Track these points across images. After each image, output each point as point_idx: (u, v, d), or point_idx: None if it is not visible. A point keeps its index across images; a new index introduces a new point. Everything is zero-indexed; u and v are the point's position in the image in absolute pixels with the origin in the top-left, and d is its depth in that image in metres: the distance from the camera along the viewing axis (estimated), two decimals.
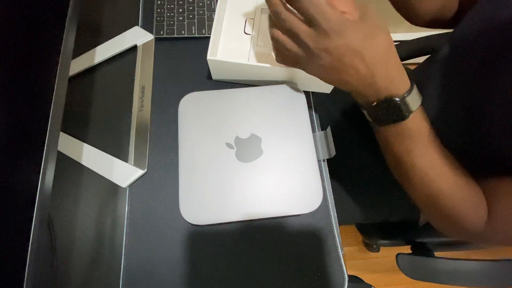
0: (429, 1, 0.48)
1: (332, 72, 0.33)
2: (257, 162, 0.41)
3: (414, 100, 0.34)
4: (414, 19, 0.52)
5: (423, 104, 0.35)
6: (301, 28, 0.32)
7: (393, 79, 0.33)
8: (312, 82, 0.46)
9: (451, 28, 0.49)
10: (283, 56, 0.38)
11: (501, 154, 0.35)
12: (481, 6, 0.40)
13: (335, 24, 0.31)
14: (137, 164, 0.44)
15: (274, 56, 0.40)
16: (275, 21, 0.35)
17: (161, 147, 0.45)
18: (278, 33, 0.35)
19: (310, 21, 0.32)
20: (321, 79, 0.36)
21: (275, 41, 0.36)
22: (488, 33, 0.38)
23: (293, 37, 0.34)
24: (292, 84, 0.46)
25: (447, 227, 0.39)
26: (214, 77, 0.49)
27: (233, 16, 0.50)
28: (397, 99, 0.33)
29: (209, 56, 0.43)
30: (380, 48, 0.32)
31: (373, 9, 0.32)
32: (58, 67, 0.35)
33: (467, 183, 0.37)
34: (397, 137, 0.36)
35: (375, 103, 0.34)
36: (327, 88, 0.47)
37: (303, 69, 0.37)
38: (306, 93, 0.46)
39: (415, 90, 0.34)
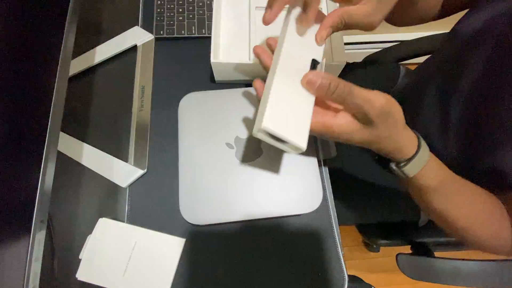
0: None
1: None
2: (257, 162, 0.41)
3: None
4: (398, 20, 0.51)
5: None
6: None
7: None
8: None
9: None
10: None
11: (506, 159, 0.35)
12: (482, 6, 0.40)
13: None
14: (137, 164, 0.44)
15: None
16: (341, 100, 0.30)
17: (161, 147, 0.45)
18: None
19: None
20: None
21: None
22: (491, 33, 0.38)
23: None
24: None
25: (483, 250, 0.40)
26: (217, 79, 0.48)
27: (231, 16, 0.50)
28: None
29: (212, 60, 0.43)
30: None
31: None
32: (58, 67, 0.35)
33: (493, 208, 0.37)
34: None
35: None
36: None
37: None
38: None
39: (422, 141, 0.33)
